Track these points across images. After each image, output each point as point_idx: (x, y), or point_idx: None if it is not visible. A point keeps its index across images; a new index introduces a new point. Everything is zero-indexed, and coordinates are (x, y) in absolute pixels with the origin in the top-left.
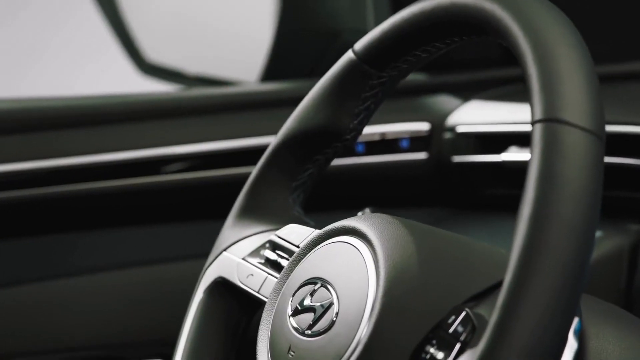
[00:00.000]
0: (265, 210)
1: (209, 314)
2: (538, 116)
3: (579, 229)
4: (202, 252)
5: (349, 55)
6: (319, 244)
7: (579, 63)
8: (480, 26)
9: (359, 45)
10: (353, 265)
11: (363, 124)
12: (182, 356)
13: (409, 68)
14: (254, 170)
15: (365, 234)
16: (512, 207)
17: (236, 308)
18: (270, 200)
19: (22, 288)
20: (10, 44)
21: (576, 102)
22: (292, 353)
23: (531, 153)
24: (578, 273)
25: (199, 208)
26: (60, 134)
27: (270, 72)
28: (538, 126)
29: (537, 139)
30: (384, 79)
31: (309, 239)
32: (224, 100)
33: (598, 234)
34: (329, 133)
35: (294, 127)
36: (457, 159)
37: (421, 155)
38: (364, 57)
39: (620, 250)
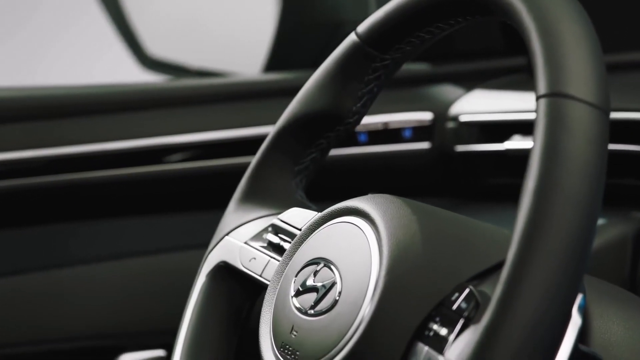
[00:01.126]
0: (268, 194)
1: (211, 299)
2: (542, 91)
3: (583, 203)
4: (204, 242)
5: (351, 37)
6: (321, 225)
7: (583, 38)
8: (484, 5)
9: (362, 27)
10: (356, 245)
11: (366, 107)
12: (184, 341)
13: (412, 50)
14: (257, 155)
15: (368, 214)
16: (515, 196)
17: (239, 292)
18: (272, 185)
19: (22, 277)
20: (10, 36)
21: (581, 77)
22: (294, 333)
23: (535, 128)
24: (582, 247)
25: (199, 198)
26: (60, 123)
27: (273, 64)
28: (542, 101)
29: (541, 114)
30: (387, 62)
31: (311, 221)
32: (225, 90)
33: (602, 221)
34: (332, 116)
35: (296, 110)
36: (460, 148)
37: (424, 145)
38: (367, 39)
39: (624, 238)
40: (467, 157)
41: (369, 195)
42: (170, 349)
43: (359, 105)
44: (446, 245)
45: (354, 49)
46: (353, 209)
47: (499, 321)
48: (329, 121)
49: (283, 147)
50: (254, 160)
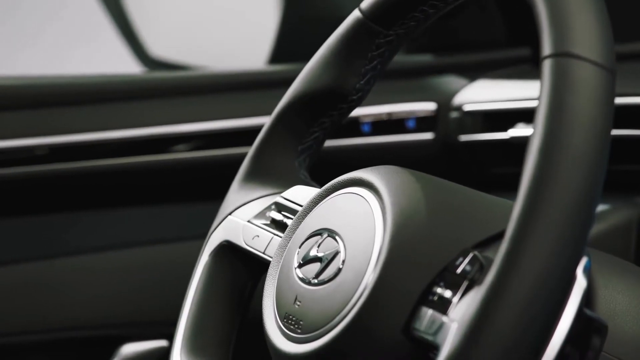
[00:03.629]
0: (271, 173)
1: (215, 278)
2: (547, 51)
3: (589, 161)
4: (207, 232)
5: (355, 14)
6: (324, 198)
7: None
8: None
9: (365, 4)
10: (360, 214)
11: (370, 85)
12: (187, 320)
13: (416, 26)
14: (260, 134)
15: (372, 184)
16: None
17: (242, 271)
18: (276, 164)
19: (23, 266)
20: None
21: (586, 36)
22: (298, 303)
23: (541, 88)
24: (588, 204)
25: (202, 188)
26: (61, 112)
27: (276, 59)
28: (548, 61)
29: (546, 74)
30: (390, 37)
31: (314, 194)
32: (228, 80)
33: (606, 207)
34: (336, 94)
35: (300, 88)
36: (464, 138)
37: (428, 136)
38: (370, 15)
39: (629, 223)
40: (471, 147)
41: (373, 167)
42: (172, 339)
43: (362, 82)
44: (450, 213)
45: (357, 25)
46: (357, 179)
47: (504, 278)
48: (332, 99)
49: (286, 126)
50: (257, 139)
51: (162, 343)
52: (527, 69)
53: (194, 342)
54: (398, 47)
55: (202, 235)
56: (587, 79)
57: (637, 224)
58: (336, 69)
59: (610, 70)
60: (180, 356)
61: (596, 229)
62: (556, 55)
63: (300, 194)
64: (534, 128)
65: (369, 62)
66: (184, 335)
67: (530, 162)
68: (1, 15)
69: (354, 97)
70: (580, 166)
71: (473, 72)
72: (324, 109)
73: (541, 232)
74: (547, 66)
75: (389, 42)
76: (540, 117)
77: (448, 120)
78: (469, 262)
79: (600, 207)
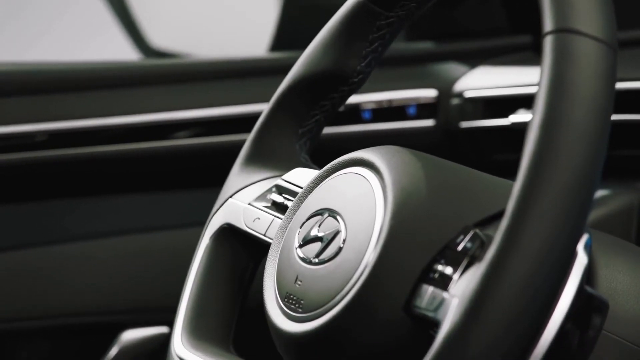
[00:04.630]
0: (272, 156)
1: (215, 260)
2: (549, 28)
3: (590, 136)
4: (208, 218)
5: None
6: (325, 179)
7: None
8: None
9: None
10: (360, 194)
11: (370, 67)
12: (188, 302)
13: (417, 7)
14: (261, 117)
15: (372, 163)
16: None
17: (243, 254)
18: (276, 147)
19: (23, 253)
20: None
21: (587, 12)
22: (299, 282)
23: (542, 64)
24: (589, 180)
25: (203, 174)
26: (62, 98)
27: (277, 48)
28: (549, 37)
29: (548, 50)
30: (392, 19)
31: (315, 175)
32: (229, 67)
33: (607, 192)
34: (336, 76)
35: (301, 71)
36: (465, 124)
37: (428, 122)
38: None
39: (630, 208)
40: (472, 134)
41: (373, 147)
42: (172, 325)
43: (363, 64)
44: (451, 191)
45: (358, 7)
46: (357, 159)
47: (505, 253)
48: (333, 81)
49: (287, 109)
50: (257, 122)
51: (162, 329)
52: (528, 56)
53: (195, 324)
54: (399, 29)
55: (202, 222)
56: (588, 54)
57: (637, 209)
58: (337, 51)
59: (611, 46)
60: (181, 338)
61: (597, 213)
62: (557, 31)
63: (301, 176)
64: (535, 104)
65: (370, 44)
66: (184, 318)
67: (531, 138)
68: None
69: (355, 80)
70: (582, 141)
71: (474, 59)
72: (324, 91)
73: (542, 208)
74: (548, 42)
75: (390, 24)
76: (542, 93)
77: (449, 107)
78: (470, 239)
79: (601, 192)
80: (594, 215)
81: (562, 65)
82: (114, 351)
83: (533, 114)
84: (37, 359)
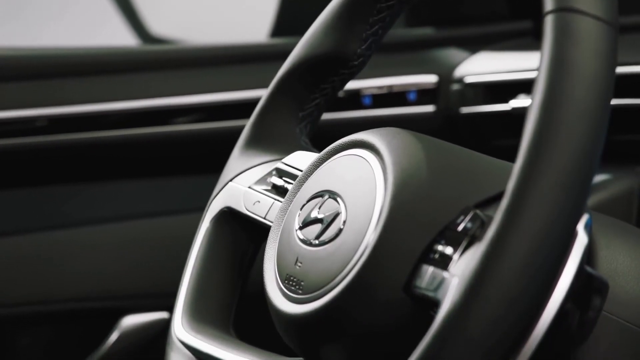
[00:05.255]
0: (272, 140)
1: (215, 244)
2: (549, 7)
3: (591, 114)
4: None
5: None
6: (325, 161)
7: None
8: None
9: None
10: (361, 175)
11: (371, 50)
12: (188, 285)
13: None
14: (261, 100)
15: (373, 145)
16: None
17: (243, 237)
18: (277, 130)
19: (23, 238)
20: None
21: None
22: (299, 264)
23: (542, 44)
24: (590, 159)
25: (203, 160)
26: (63, 83)
27: (277, 35)
28: (550, 17)
29: (548, 29)
30: (392, 2)
31: (315, 158)
32: (230, 53)
33: (608, 177)
34: (337, 59)
35: (301, 54)
36: (466, 110)
37: (429, 108)
38: None
39: (630, 193)
40: (472, 119)
41: (373, 129)
42: (172, 311)
43: (363, 47)
44: (452, 173)
45: None
46: (357, 141)
47: (505, 232)
48: (333, 64)
49: (287, 92)
50: (258, 105)
51: (162, 315)
52: (528, 41)
53: (195, 307)
54: (399, 12)
55: (202, 207)
56: (589, 33)
57: (638, 193)
58: (337, 34)
59: (612, 25)
60: (182, 321)
61: (597, 198)
62: (558, 10)
63: (301, 159)
64: (535, 84)
65: (370, 27)
66: (185, 301)
67: (532, 117)
68: None
69: (355, 63)
70: (583, 120)
71: (474, 45)
72: (325, 74)
73: (542, 187)
74: (549, 22)
75: (390, 7)
76: (542, 72)
77: (449, 93)
78: (470, 220)
79: (602, 177)
80: (594, 199)
81: (562, 44)
82: (114, 336)
83: (533, 93)
84: (38, 345)
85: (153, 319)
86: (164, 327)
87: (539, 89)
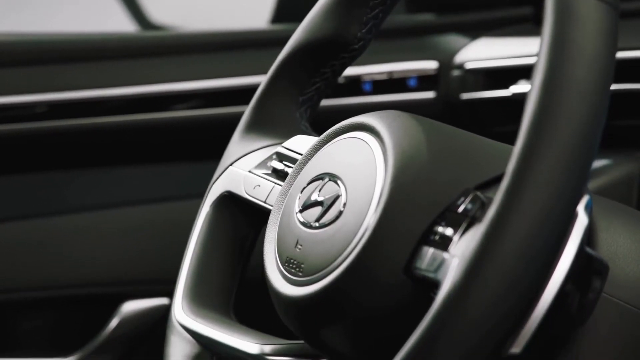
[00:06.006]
0: (272, 124)
1: (216, 228)
2: None
3: (592, 94)
4: None
5: None
6: (325, 144)
7: None
8: None
9: None
10: (361, 158)
11: (371, 34)
12: (189, 269)
13: None
14: (261, 85)
15: (373, 127)
16: None
17: (243, 221)
18: (277, 115)
19: (23, 223)
20: None
21: None
22: (299, 247)
23: (544, 24)
24: (590, 139)
25: (203, 146)
26: (62, 68)
27: (278, 22)
28: None
29: (549, 10)
30: None
31: (315, 141)
32: (230, 39)
33: (608, 162)
34: (337, 43)
35: (301, 38)
36: (466, 96)
37: (429, 94)
38: None
39: (631, 178)
40: (473, 105)
41: (373, 112)
42: (172, 296)
43: (364, 31)
44: (452, 155)
45: None
46: (358, 124)
47: (505, 212)
48: (334, 48)
49: (288, 76)
50: (258, 90)
51: (162, 301)
52: (529, 27)
53: (195, 291)
54: None
55: (202, 193)
56: (590, 13)
57: (638, 178)
58: (338, 18)
59: (613, 6)
60: (182, 305)
61: (597, 183)
62: None
63: (302, 143)
64: (536, 64)
65: (371, 11)
66: (185, 285)
67: (532, 98)
68: None
69: (356, 47)
70: (583, 99)
71: (474, 31)
72: (325, 58)
73: (543, 167)
74: (549, 2)
75: None
76: (543, 53)
77: (450, 79)
78: (471, 201)
79: (602, 162)
80: (594, 184)
81: (563, 25)
82: (114, 322)
83: (534, 74)
84: (38, 330)
85: (153, 304)
86: (164, 313)
87: (540, 69)
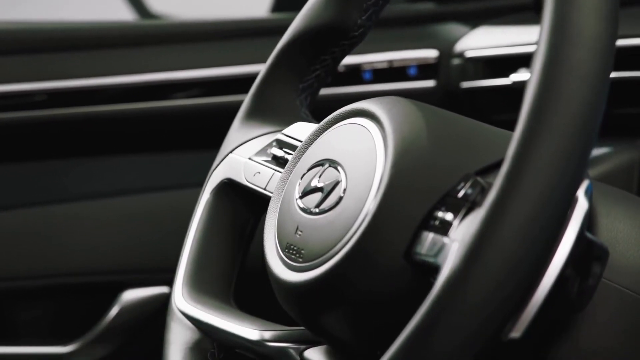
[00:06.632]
0: (272, 111)
1: (216, 215)
2: None
3: (592, 77)
4: None
5: None
6: (325, 131)
7: None
8: None
9: None
10: (361, 144)
11: (371, 20)
12: (189, 256)
13: None
14: (261, 72)
15: (373, 113)
16: None
17: (243, 208)
18: (277, 102)
19: (23, 212)
20: None
21: None
22: (299, 233)
23: (543, 9)
24: (591, 122)
25: (203, 135)
26: (62, 57)
27: (279, 8)
28: None
29: None
30: None
31: (314, 128)
32: (230, 27)
33: (608, 149)
34: (337, 29)
35: (301, 25)
36: (466, 84)
37: (429, 83)
38: None
39: (631, 166)
40: (473, 94)
41: (373, 98)
42: (172, 285)
43: (364, 18)
44: (452, 141)
45: None
46: (358, 110)
47: (505, 196)
48: (334, 35)
49: (288, 64)
50: (258, 77)
51: (162, 290)
52: (529, 16)
53: (196, 277)
54: None
55: (202, 182)
56: None
57: (638, 166)
58: (337, 5)
59: None
60: (182, 292)
61: (598, 170)
62: None
63: (302, 130)
64: (537, 48)
65: None
66: (185, 271)
67: (533, 81)
68: None
69: (356, 34)
70: (584, 82)
71: (475, 20)
72: (325, 45)
73: (543, 151)
74: None
75: None
76: (543, 36)
77: (450, 68)
78: (471, 186)
79: (602, 150)
80: (595, 172)
81: (564, 9)
82: (114, 311)
83: (534, 57)
84: (38, 319)
85: (153, 293)
86: (164, 301)
87: (540, 53)
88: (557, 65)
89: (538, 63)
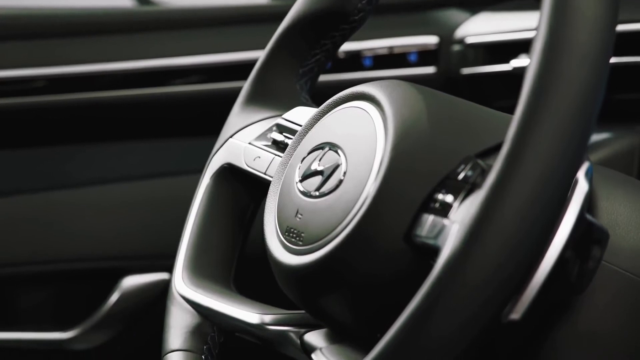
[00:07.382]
0: (272, 96)
1: (216, 199)
2: None
3: (593, 58)
4: None
5: None
6: (325, 114)
7: None
8: None
9: None
10: (361, 127)
11: (371, 5)
12: (189, 240)
13: None
14: (261, 56)
15: (373, 96)
16: None
17: (243, 193)
18: (277, 86)
19: (24, 198)
20: None
21: None
22: (299, 216)
23: None
24: (591, 104)
25: (204, 121)
26: (61, 43)
27: None
28: None
29: None
30: None
31: (314, 112)
32: (231, 14)
33: (609, 135)
34: (338, 14)
35: (301, 9)
36: (466, 71)
37: (430, 69)
38: None
39: (631, 151)
40: (473, 80)
41: (373, 81)
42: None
43: (364, 2)
44: (452, 124)
45: None
46: (358, 93)
47: (505, 177)
48: (334, 19)
49: (288, 48)
50: (258, 61)
51: (163, 276)
52: (529, 2)
53: (196, 262)
54: None
55: (202, 168)
56: None
57: (638, 151)
58: None
59: None
60: (182, 276)
61: (598, 156)
62: None
63: (302, 115)
64: (537, 30)
65: None
66: (185, 256)
67: (533, 62)
68: None
69: (356, 18)
70: (584, 65)
71: (475, 6)
72: (325, 30)
73: (543, 133)
74: None
75: None
76: (544, 18)
77: (450, 54)
78: (471, 168)
79: (603, 135)
80: (595, 157)
81: None
82: (114, 297)
83: (534, 39)
84: (38, 305)
85: (153, 279)
86: (165, 287)
87: (540, 34)
88: (557, 47)
89: (538, 45)
